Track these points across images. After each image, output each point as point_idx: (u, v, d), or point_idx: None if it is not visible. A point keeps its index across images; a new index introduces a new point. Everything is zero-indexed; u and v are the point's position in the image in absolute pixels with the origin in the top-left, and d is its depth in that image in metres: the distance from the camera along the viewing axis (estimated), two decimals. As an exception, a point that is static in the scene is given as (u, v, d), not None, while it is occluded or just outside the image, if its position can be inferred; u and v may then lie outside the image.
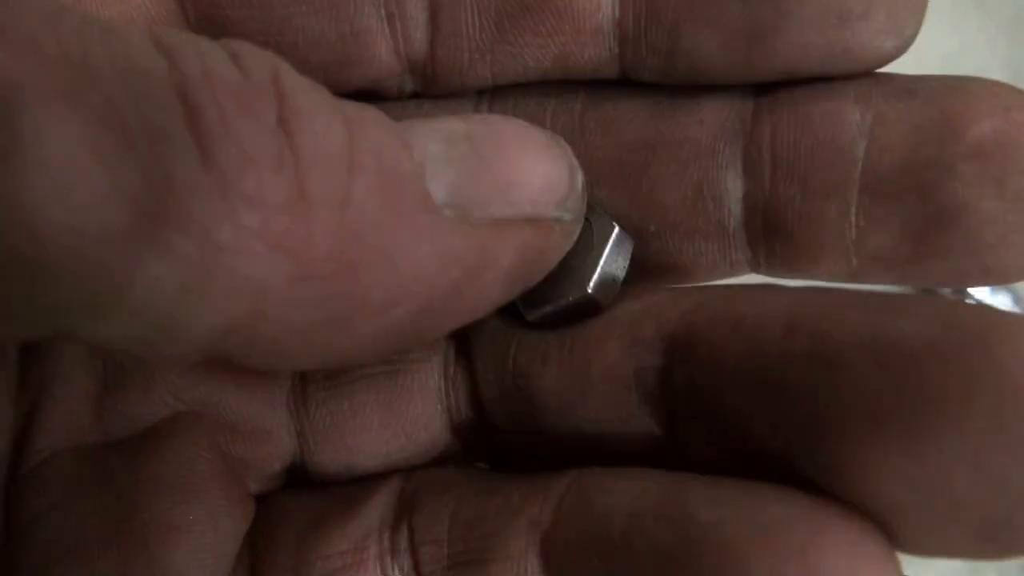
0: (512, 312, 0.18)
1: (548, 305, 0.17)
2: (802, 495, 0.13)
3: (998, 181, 0.15)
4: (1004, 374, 0.12)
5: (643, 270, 0.18)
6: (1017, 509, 0.12)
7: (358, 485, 0.18)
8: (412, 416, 0.18)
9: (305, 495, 0.19)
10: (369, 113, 0.14)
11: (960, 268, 0.15)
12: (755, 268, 0.17)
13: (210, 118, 0.12)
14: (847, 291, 0.15)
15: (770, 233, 0.17)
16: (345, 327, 0.14)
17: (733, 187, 0.17)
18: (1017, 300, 0.42)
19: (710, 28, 0.16)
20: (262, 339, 0.13)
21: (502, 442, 0.18)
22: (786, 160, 0.16)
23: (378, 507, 0.18)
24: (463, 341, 0.19)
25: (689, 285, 0.18)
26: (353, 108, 0.14)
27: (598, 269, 0.17)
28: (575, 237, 0.17)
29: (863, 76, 0.16)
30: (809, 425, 0.13)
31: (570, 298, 0.17)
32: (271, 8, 0.17)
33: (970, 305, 0.13)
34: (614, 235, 0.17)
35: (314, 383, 0.19)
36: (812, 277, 0.17)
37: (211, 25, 0.17)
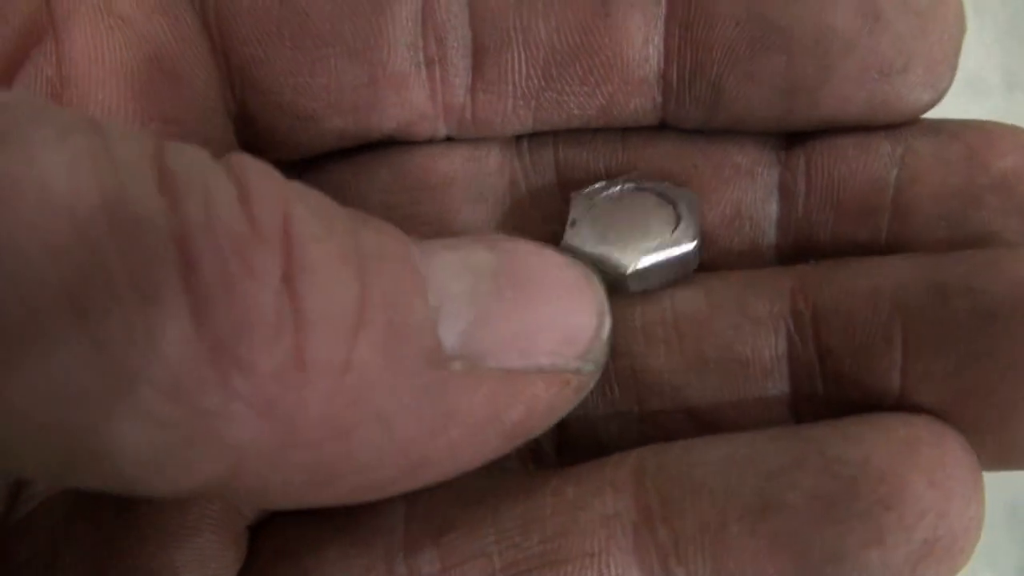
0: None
1: (648, 254, 0.16)
2: (902, 415, 0.14)
3: (1021, 212, 0.16)
4: None
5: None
6: None
7: (361, 507, 0.17)
8: None
9: (304, 522, 0.18)
10: (389, 249, 0.13)
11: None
12: None
13: (209, 275, 0.11)
14: (952, 255, 0.15)
15: (801, 254, 0.17)
16: (327, 486, 0.13)
17: (769, 209, 0.17)
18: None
19: (753, 83, 0.16)
20: (241, 491, 0.13)
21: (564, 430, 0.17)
22: (820, 186, 0.17)
23: (385, 532, 0.16)
24: None
25: (772, 268, 0.18)
26: (371, 246, 0.13)
27: (651, 262, 0.16)
28: (590, 388, 0.15)
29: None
30: (969, 378, 0.14)
31: (677, 254, 0.17)
32: (303, 49, 0.17)
33: None
34: (692, 247, 0.17)
35: None
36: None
37: (241, 64, 0.17)
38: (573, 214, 0.17)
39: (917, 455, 0.14)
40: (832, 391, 0.16)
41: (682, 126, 0.18)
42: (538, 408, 0.14)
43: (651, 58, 0.17)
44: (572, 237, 0.17)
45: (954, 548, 0.13)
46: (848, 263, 0.16)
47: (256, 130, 0.18)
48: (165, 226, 0.11)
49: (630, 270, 0.16)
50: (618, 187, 0.17)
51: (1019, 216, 0.16)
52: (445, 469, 0.14)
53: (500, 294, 0.13)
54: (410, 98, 0.17)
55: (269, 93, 0.17)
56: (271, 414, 0.11)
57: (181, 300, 0.11)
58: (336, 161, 0.18)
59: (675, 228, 0.16)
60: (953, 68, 0.16)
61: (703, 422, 0.16)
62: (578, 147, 0.18)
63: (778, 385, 0.16)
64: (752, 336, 0.16)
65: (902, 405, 0.15)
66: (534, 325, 0.14)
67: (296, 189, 0.12)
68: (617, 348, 0.17)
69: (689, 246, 0.17)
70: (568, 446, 0.18)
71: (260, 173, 0.12)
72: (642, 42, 0.17)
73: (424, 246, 0.14)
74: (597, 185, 0.18)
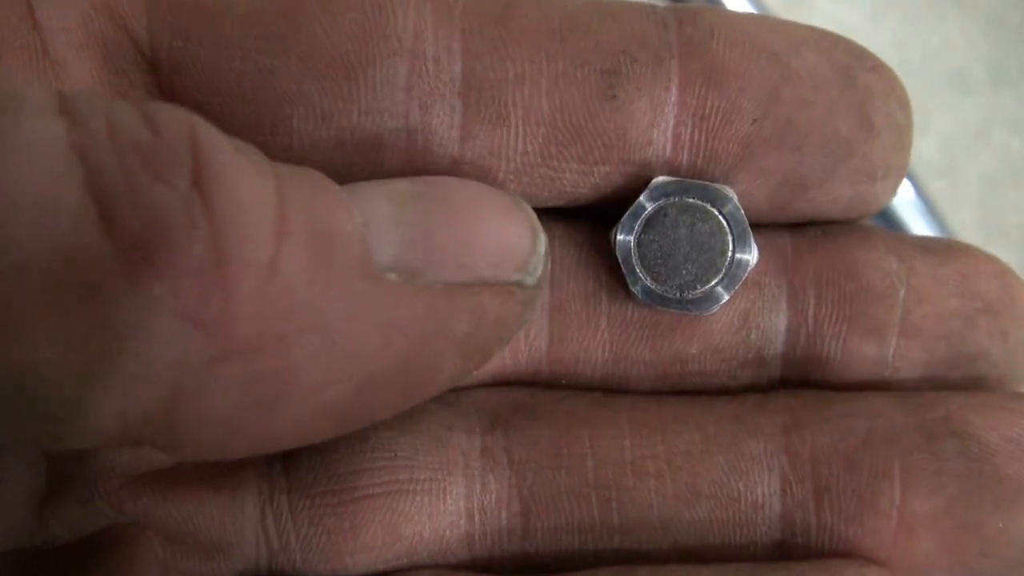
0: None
1: (662, 304, 0.17)
2: (874, 566, 0.16)
3: (1004, 332, 0.17)
4: None
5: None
6: None
7: None
8: (429, 534, 0.17)
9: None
10: (306, 173, 0.13)
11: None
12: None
13: (111, 180, 0.11)
14: (936, 395, 0.17)
15: (808, 365, 0.18)
16: (275, 410, 0.12)
17: (777, 320, 0.18)
18: None
19: (764, 178, 0.17)
20: (181, 426, 0.12)
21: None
22: (832, 301, 0.18)
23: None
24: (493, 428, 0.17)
25: (759, 400, 0.18)
26: (287, 168, 0.13)
27: (727, 295, 0.17)
28: (538, 304, 0.16)
29: (880, 227, 0.18)
30: (959, 515, 0.16)
31: (688, 311, 0.17)
32: (264, 107, 0.16)
33: None
34: (755, 261, 0.17)
35: (300, 496, 0.17)
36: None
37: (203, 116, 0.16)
38: (644, 199, 0.17)
39: None
40: (821, 529, 0.17)
41: None
42: (486, 320, 0.14)
43: (656, 143, 0.17)
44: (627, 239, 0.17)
45: None
46: (835, 400, 0.17)
47: None
48: (65, 140, 0.11)
49: (639, 299, 0.17)
50: (697, 198, 0.17)
51: (1002, 338, 0.17)
52: (403, 392, 0.14)
53: (428, 213, 0.14)
54: (382, 164, 0.16)
55: None
56: (195, 321, 0.11)
57: (87, 206, 0.10)
58: None
59: (707, 285, 0.17)
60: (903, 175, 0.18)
61: (686, 552, 0.17)
62: (576, 248, 0.18)
63: (767, 522, 0.17)
64: (746, 473, 0.17)
65: (898, 540, 0.16)
66: (468, 239, 0.14)
67: (202, 119, 0.12)
68: (604, 480, 0.17)
69: (701, 311, 0.17)
70: (534, 562, 0.18)
71: (166, 105, 0.12)
72: (647, 125, 0.17)
73: (346, 184, 0.14)
74: (679, 182, 0.17)
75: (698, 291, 0.17)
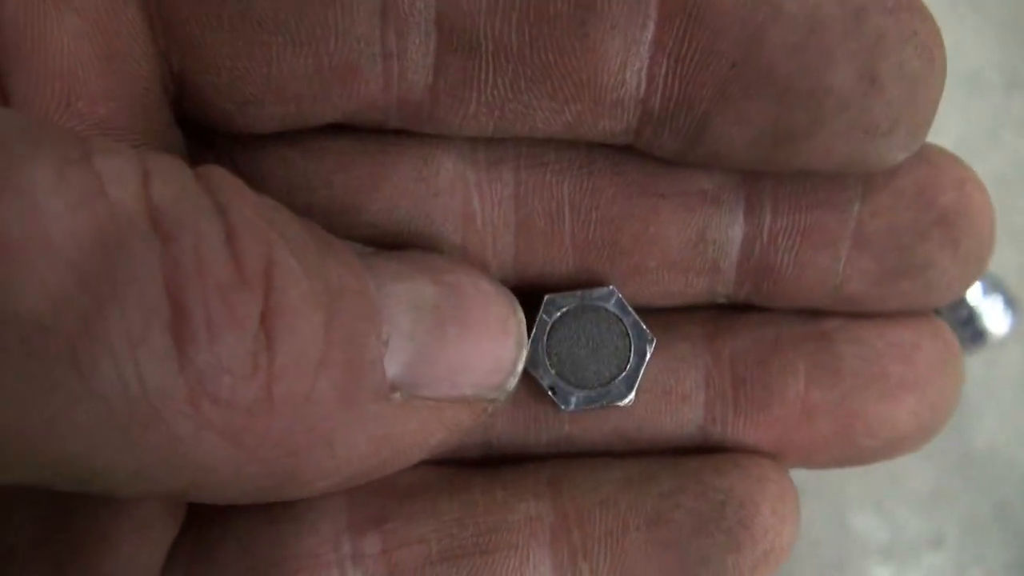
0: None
1: (587, 403, 0.19)
2: (756, 456, 0.19)
3: (955, 243, 0.18)
4: None
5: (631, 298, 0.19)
6: None
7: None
8: None
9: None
10: (350, 284, 0.14)
11: (911, 307, 0.19)
12: (734, 299, 0.19)
13: (196, 322, 0.12)
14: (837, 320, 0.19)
15: (761, 274, 0.18)
16: (272, 494, 0.14)
17: (733, 234, 0.18)
18: (1008, 301, 0.42)
19: (740, 125, 0.16)
20: (193, 496, 0.14)
21: None
22: (788, 213, 0.18)
23: (330, 517, 0.18)
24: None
25: (687, 314, 0.20)
26: (336, 281, 0.14)
27: (639, 381, 0.19)
28: (498, 409, 0.17)
29: None
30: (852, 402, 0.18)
31: (611, 404, 0.19)
32: (242, 35, 0.16)
33: None
34: (653, 347, 0.19)
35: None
36: (787, 307, 0.19)
37: (179, 42, 0.16)
38: (544, 314, 0.18)
39: (765, 489, 0.18)
40: (737, 414, 0.19)
41: (653, 154, 0.17)
42: (457, 431, 0.16)
43: (628, 83, 0.16)
44: (533, 352, 0.19)
45: (781, 556, 0.18)
46: (751, 312, 0.19)
47: (194, 108, 0.17)
48: (159, 273, 0.12)
49: (563, 408, 0.19)
50: (590, 302, 0.18)
51: (953, 248, 0.18)
52: (371, 478, 0.16)
53: (440, 327, 0.15)
54: (359, 90, 0.16)
55: (207, 75, 0.16)
56: (237, 440, 0.13)
57: (169, 345, 0.12)
58: (282, 137, 0.18)
59: (619, 376, 0.19)
60: (930, 126, 0.17)
61: (626, 439, 0.19)
62: (540, 168, 0.18)
63: (693, 410, 0.19)
64: (676, 371, 0.19)
65: (800, 424, 0.19)
66: (465, 361, 0.16)
67: (276, 223, 0.13)
68: None
69: (622, 401, 0.19)
70: (492, 448, 0.20)
71: (244, 205, 0.13)
72: (619, 66, 0.16)
73: (377, 274, 0.15)
74: (569, 295, 0.18)
75: (612, 384, 0.19)
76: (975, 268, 0.18)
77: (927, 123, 0.16)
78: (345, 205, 0.18)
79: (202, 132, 0.17)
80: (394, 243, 0.18)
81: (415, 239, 0.18)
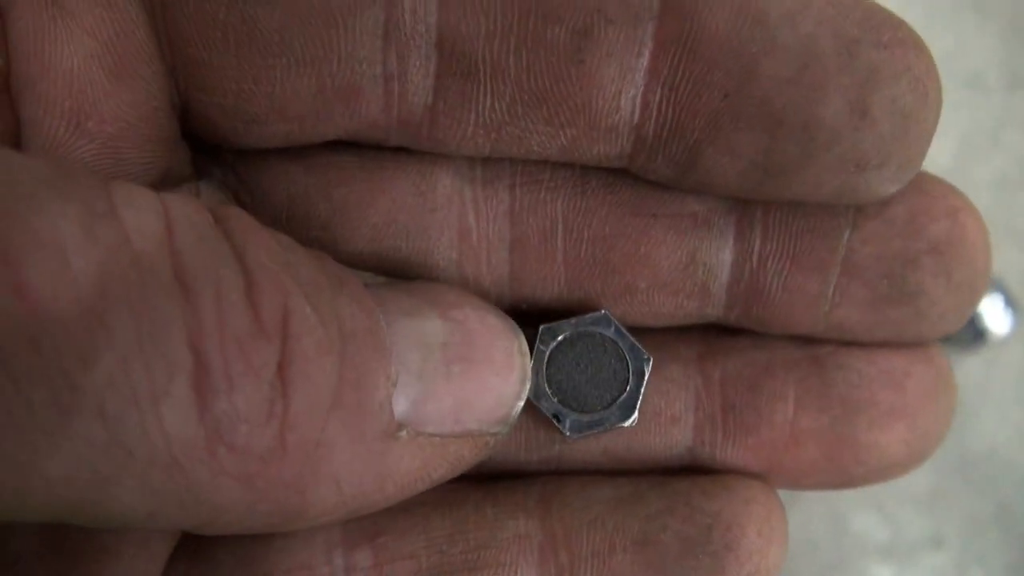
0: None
1: (590, 427, 0.19)
2: (744, 478, 0.19)
3: (947, 272, 0.18)
4: None
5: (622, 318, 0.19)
6: None
7: None
8: None
9: None
10: (361, 325, 0.14)
11: (904, 337, 0.18)
12: (724, 321, 0.19)
13: (216, 375, 0.12)
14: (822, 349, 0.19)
15: (751, 298, 0.18)
16: (278, 528, 0.15)
17: (724, 257, 0.18)
18: (1008, 301, 0.42)
19: (732, 156, 0.16)
20: (206, 531, 0.14)
21: None
22: (777, 238, 0.18)
23: (324, 530, 0.18)
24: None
25: (680, 334, 0.20)
26: (348, 323, 0.14)
27: (639, 401, 0.19)
28: (500, 441, 0.17)
29: None
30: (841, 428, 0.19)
31: (614, 426, 0.19)
32: (248, 57, 0.16)
33: None
34: (651, 366, 0.19)
35: None
36: (778, 333, 0.19)
37: (186, 62, 0.16)
38: (540, 344, 0.19)
39: (752, 511, 0.18)
40: (727, 438, 0.19)
41: (647, 178, 0.18)
42: (460, 465, 0.16)
43: (623, 109, 0.16)
44: (534, 383, 0.19)
45: None
46: (742, 335, 0.19)
47: (200, 125, 0.17)
48: (183, 327, 0.12)
49: (568, 436, 0.19)
50: (584, 328, 0.19)
51: (946, 278, 0.18)
52: (373, 510, 0.16)
53: (447, 366, 0.16)
54: (361, 110, 0.17)
55: (212, 95, 0.16)
56: (250, 484, 0.13)
57: (190, 396, 0.12)
58: (285, 152, 0.18)
59: (619, 398, 0.19)
60: (922, 160, 0.17)
61: (616, 459, 0.19)
62: (535, 186, 0.18)
63: (683, 431, 0.19)
64: (667, 392, 0.19)
65: (789, 449, 0.19)
66: (469, 398, 0.16)
67: (290, 265, 0.14)
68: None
69: (626, 422, 0.19)
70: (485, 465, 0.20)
71: (260, 249, 0.13)
72: (614, 93, 0.16)
73: (387, 310, 0.15)
74: (564, 323, 0.19)
75: (613, 407, 0.19)
76: (969, 298, 0.18)
77: (919, 157, 0.17)
78: (344, 217, 0.18)
79: (207, 147, 0.18)
80: (392, 256, 0.18)
81: (412, 252, 0.18)
